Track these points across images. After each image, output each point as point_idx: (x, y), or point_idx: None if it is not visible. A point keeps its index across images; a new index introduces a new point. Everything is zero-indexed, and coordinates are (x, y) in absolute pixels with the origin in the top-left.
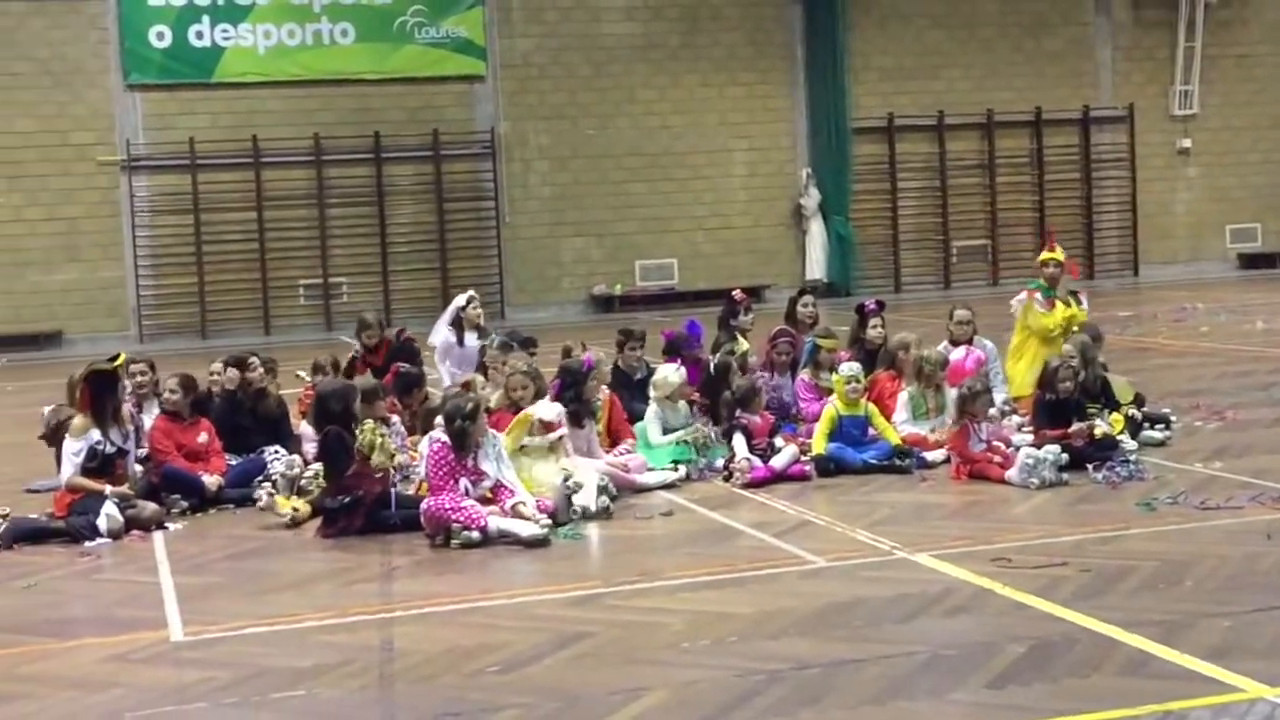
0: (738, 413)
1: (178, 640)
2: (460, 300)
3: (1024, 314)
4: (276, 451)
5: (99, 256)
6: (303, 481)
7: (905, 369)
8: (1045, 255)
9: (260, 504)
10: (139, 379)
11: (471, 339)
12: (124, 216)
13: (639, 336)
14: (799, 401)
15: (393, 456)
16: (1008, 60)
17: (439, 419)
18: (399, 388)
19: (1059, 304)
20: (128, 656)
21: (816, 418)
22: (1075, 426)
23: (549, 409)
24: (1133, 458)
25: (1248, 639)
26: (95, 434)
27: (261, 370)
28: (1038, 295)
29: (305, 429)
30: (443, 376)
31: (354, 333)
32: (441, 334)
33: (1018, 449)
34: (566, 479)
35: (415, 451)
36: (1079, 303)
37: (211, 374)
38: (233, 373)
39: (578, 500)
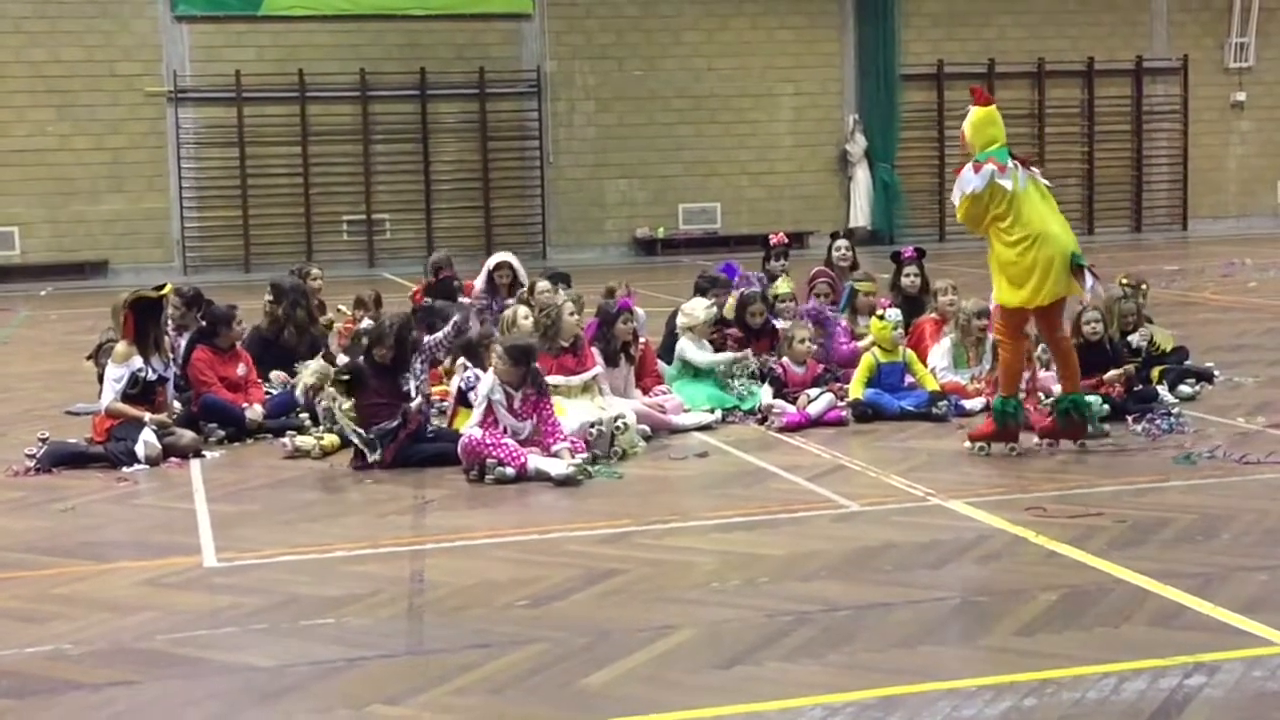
0: (772, 359)
1: (211, 566)
2: (490, 263)
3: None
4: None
5: (144, 188)
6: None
7: (947, 315)
8: None
9: (285, 450)
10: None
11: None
12: (169, 148)
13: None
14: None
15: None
16: (1061, 8)
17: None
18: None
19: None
20: (161, 581)
21: (848, 362)
22: (1111, 374)
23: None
24: (1174, 411)
25: None
26: (138, 361)
27: (269, 302)
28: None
29: (342, 359)
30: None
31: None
32: (479, 286)
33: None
34: (593, 424)
35: (446, 388)
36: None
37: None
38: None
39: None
